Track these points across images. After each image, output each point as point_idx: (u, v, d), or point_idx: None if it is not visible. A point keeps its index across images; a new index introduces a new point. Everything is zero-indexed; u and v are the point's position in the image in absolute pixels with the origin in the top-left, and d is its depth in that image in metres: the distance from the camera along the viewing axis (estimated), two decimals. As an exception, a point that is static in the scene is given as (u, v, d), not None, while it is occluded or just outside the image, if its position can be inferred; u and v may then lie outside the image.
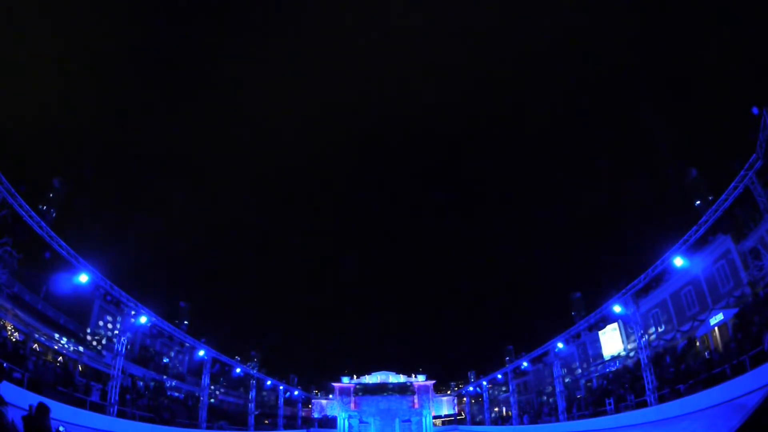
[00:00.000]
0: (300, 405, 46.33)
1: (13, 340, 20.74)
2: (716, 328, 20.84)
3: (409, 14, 65.55)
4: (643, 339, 21.06)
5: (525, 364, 33.48)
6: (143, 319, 21.70)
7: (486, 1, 62.07)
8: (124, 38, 58.44)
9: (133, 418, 20.66)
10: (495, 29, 62.94)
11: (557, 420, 27.73)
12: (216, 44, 67.58)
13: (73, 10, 49.96)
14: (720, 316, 20.52)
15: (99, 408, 18.50)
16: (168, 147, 65.26)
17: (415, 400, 51.40)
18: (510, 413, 37.95)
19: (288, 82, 72.24)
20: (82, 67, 55.09)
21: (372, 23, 65.75)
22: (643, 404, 19.90)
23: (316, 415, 50.27)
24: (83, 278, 18.14)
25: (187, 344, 27.68)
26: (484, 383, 42.53)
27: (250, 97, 71.99)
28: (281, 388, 40.22)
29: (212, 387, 34.37)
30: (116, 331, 26.50)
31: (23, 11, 45.79)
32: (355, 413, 49.25)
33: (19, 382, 14.27)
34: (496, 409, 47.90)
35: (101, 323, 29.08)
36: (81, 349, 25.53)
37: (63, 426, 7.95)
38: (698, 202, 25.04)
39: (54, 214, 21.82)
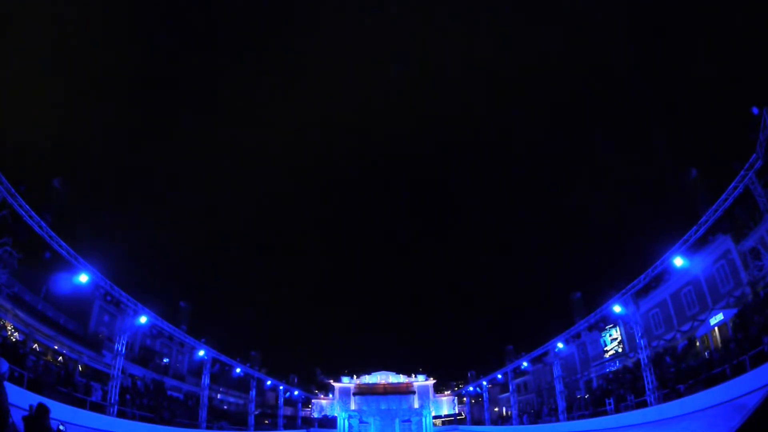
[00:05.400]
0: (300, 405, 46.33)
1: (13, 340, 20.75)
2: (716, 328, 20.85)
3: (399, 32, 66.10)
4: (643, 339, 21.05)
5: (525, 364, 33.48)
6: (143, 319, 21.71)
7: (479, 16, 62.58)
8: (126, 42, 58.46)
9: (133, 418, 20.66)
10: (488, 39, 63.33)
11: (557, 420, 27.73)
12: (216, 55, 67.82)
13: (75, 14, 49.94)
14: (720, 316, 20.53)
15: (99, 408, 18.50)
16: (169, 149, 65.25)
17: (415, 400, 51.41)
18: (510, 413, 37.97)
19: (287, 96, 72.53)
20: (84, 68, 55.07)
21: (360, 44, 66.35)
22: (643, 404, 19.90)
23: (316, 415, 50.27)
24: (83, 278, 18.13)
25: (187, 344, 27.68)
26: (484, 383, 42.54)
27: (252, 106, 72.31)
28: (281, 388, 40.22)
29: (212, 387, 34.36)
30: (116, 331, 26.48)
31: (25, 13, 45.79)
32: (355, 413, 49.24)
33: (18, 382, 14.28)
34: (496, 409, 47.92)
35: (101, 323, 29.10)
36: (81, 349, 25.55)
37: (63, 425, 7.94)
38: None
39: (52, 215, 21.78)
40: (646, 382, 19.90)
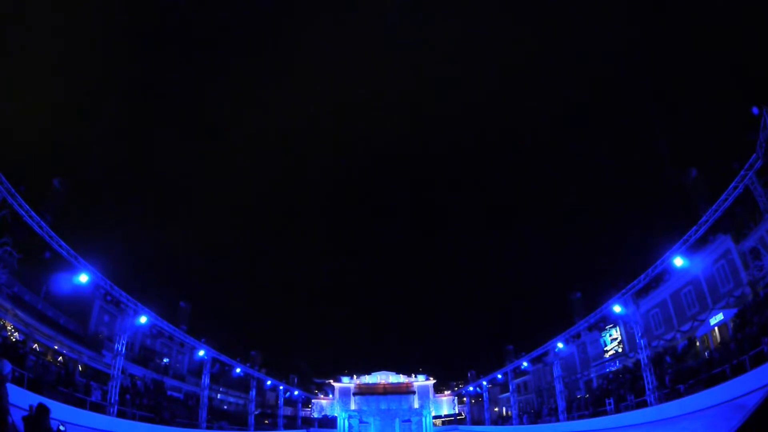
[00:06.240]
0: (300, 405, 46.35)
1: (13, 340, 20.75)
2: (716, 328, 20.86)
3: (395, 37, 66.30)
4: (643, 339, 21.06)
5: (525, 364, 33.49)
6: (143, 319, 21.71)
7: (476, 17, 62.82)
8: (126, 41, 58.45)
9: (133, 418, 20.66)
10: (486, 43, 63.53)
11: (557, 420, 27.74)
12: (214, 57, 67.92)
13: (76, 13, 49.96)
14: (720, 316, 20.54)
15: (99, 408, 18.51)
16: (169, 149, 65.32)
17: (415, 400, 51.43)
18: (510, 413, 37.98)
19: (288, 95, 72.65)
20: (85, 68, 55.09)
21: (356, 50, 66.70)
22: (643, 404, 19.91)
23: (316, 415, 50.29)
24: (83, 278, 18.14)
25: (187, 344, 27.68)
26: (484, 383, 42.55)
27: (253, 106, 72.43)
28: (281, 388, 40.24)
29: (212, 387, 34.34)
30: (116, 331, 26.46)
31: (25, 13, 45.80)
32: (355, 413, 49.26)
33: (19, 382, 14.29)
34: (496, 409, 47.93)
35: (101, 323, 29.09)
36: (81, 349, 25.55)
37: (63, 425, 7.95)
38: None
39: (52, 215, 21.83)
40: (646, 382, 19.91)
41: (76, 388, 18.50)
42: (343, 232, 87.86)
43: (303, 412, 47.41)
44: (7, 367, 5.11)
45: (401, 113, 76.50)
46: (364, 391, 51.83)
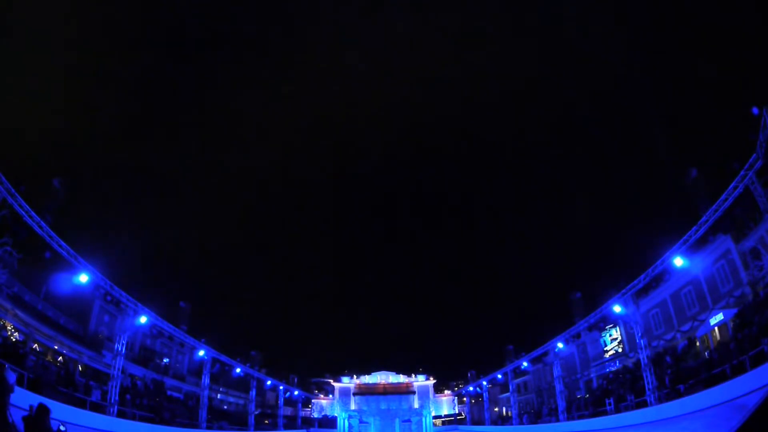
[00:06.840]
0: (300, 405, 46.33)
1: (13, 340, 20.76)
2: (716, 328, 20.85)
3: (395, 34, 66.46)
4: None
5: (525, 364, 33.48)
6: (143, 319, 21.70)
7: (478, 21, 63.00)
8: (126, 41, 58.46)
9: (133, 418, 20.65)
10: (488, 43, 63.62)
11: (557, 420, 27.73)
12: (213, 57, 67.99)
13: (76, 13, 49.95)
14: (720, 316, 20.53)
15: (99, 408, 18.50)
16: (169, 149, 65.32)
17: (415, 400, 51.41)
18: (510, 413, 37.97)
19: (288, 95, 72.75)
20: (85, 68, 55.05)
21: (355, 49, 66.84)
22: (643, 404, 19.90)
23: (316, 415, 50.27)
24: (83, 278, 18.13)
25: (187, 344, 27.66)
26: (484, 383, 42.54)
27: (253, 107, 72.43)
28: (281, 388, 40.22)
29: (212, 387, 34.32)
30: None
31: (25, 13, 45.78)
32: (355, 413, 49.24)
33: (19, 382, 14.28)
34: (496, 409, 47.92)
35: (101, 323, 29.09)
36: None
37: (63, 425, 7.94)
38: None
39: (52, 215, 21.80)
40: (646, 382, 19.90)
41: (76, 388, 18.49)
42: (343, 232, 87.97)
43: (303, 412, 47.38)
44: (12, 377, 5.10)
45: (401, 114, 76.53)
46: (364, 391, 51.80)
